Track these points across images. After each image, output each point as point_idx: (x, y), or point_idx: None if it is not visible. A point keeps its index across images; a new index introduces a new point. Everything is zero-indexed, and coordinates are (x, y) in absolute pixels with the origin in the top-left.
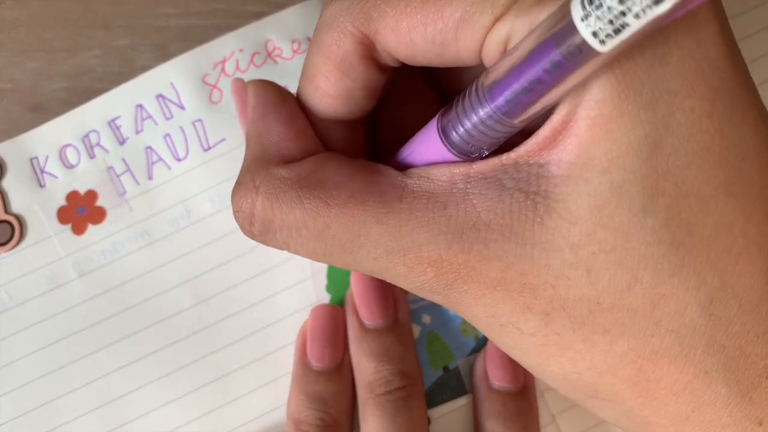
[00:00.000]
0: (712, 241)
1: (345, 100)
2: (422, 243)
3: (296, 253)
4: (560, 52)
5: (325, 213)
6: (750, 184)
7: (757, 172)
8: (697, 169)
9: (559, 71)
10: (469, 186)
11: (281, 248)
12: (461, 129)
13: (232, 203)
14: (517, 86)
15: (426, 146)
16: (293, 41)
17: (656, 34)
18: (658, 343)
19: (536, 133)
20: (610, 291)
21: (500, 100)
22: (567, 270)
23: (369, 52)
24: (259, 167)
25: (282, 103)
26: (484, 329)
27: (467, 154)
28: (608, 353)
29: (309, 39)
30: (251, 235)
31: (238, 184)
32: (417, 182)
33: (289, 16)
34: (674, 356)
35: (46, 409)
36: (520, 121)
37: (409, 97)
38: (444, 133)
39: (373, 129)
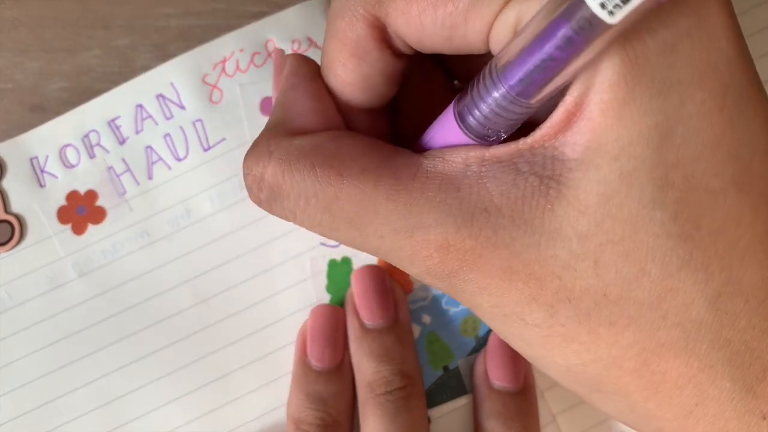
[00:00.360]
0: (720, 236)
1: (364, 87)
2: (430, 224)
3: (301, 224)
4: (571, 27)
5: (337, 183)
6: (758, 180)
7: (765, 168)
8: (706, 163)
9: (571, 47)
10: (483, 169)
11: (287, 218)
12: (477, 113)
13: (243, 166)
14: (530, 65)
15: (444, 132)
16: (293, 41)
17: (668, 23)
18: (663, 336)
19: (551, 116)
20: (617, 283)
21: (514, 81)
22: (574, 261)
23: (382, 35)
24: (277, 134)
25: (314, 78)
26: (488, 319)
27: (484, 138)
28: (613, 345)
29: (309, 39)
30: (258, 201)
31: (253, 146)
32: (432, 162)
33: (289, 16)
34: (680, 350)
35: (46, 409)
36: (536, 101)
37: (429, 87)
38: (461, 118)
39: (395, 121)
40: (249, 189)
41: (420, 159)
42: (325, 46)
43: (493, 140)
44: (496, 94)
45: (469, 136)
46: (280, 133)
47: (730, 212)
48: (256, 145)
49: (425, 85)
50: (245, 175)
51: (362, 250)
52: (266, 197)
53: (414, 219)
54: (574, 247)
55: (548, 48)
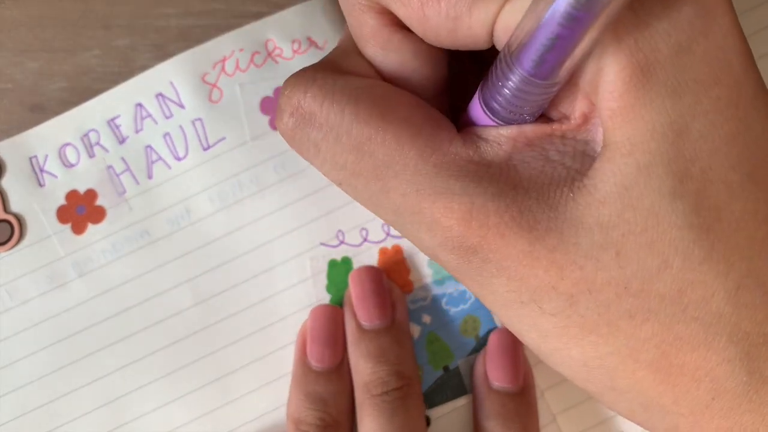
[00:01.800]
0: (739, 228)
1: (404, 75)
2: (456, 192)
3: (322, 162)
4: (569, 4)
5: (376, 124)
6: None
7: None
8: (723, 156)
9: (575, 23)
10: (514, 151)
11: (307, 152)
12: (499, 98)
13: (282, 86)
14: (539, 46)
15: (474, 118)
16: (293, 41)
17: (682, 25)
18: (683, 329)
19: (580, 107)
20: (639, 275)
21: (528, 64)
22: (596, 251)
23: (395, 19)
24: (327, 68)
25: None
26: (500, 306)
27: (511, 122)
28: (631, 338)
29: (309, 39)
30: (284, 128)
31: (298, 71)
32: (469, 135)
33: (289, 16)
34: (698, 343)
35: (47, 409)
36: (556, 80)
37: (462, 69)
38: (486, 104)
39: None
40: (280, 111)
41: (460, 131)
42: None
43: (521, 123)
44: (513, 79)
45: (496, 122)
46: (331, 68)
47: (748, 205)
48: (302, 70)
49: (458, 67)
50: (281, 95)
51: (378, 210)
52: (294, 123)
53: (441, 183)
54: (596, 237)
55: (553, 27)
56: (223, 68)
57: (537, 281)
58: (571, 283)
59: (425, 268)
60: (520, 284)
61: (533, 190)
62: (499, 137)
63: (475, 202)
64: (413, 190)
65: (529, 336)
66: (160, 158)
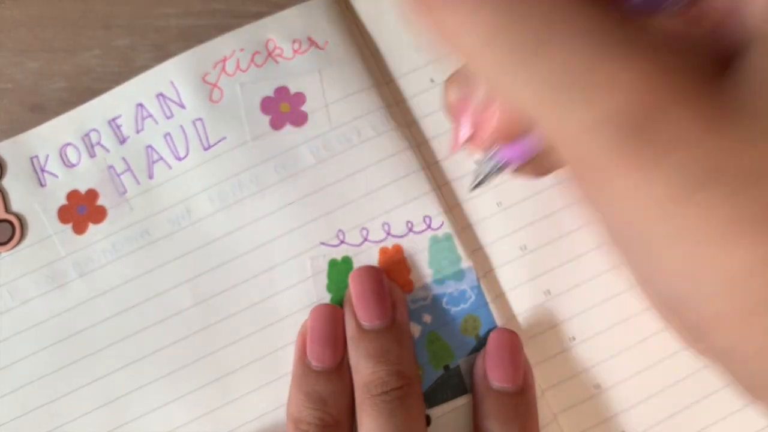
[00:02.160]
0: None
1: None
2: (639, 50)
3: (461, 25)
4: None
5: None
6: None
7: None
8: None
9: None
10: (689, 36)
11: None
12: None
13: None
14: None
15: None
16: (294, 41)
17: None
18: None
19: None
20: None
21: None
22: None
23: None
24: None
25: None
26: (654, 205)
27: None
28: None
29: (309, 39)
30: None
31: None
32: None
33: (289, 16)
34: None
35: (48, 409)
36: None
37: None
38: None
39: None
40: None
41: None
42: None
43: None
44: None
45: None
46: None
47: None
48: None
49: None
50: None
51: (522, 73)
52: None
53: (624, 35)
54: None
55: None
56: (223, 68)
57: (707, 163)
58: (743, 167)
59: (425, 268)
60: (688, 168)
61: (703, 74)
62: (647, 26)
63: (657, 68)
64: (587, 41)
65: (673, 246)
66: (160, 158)
